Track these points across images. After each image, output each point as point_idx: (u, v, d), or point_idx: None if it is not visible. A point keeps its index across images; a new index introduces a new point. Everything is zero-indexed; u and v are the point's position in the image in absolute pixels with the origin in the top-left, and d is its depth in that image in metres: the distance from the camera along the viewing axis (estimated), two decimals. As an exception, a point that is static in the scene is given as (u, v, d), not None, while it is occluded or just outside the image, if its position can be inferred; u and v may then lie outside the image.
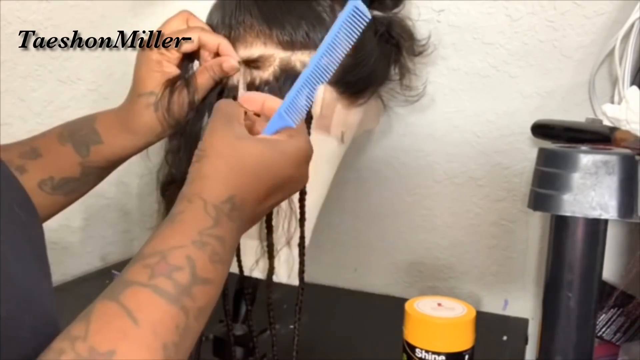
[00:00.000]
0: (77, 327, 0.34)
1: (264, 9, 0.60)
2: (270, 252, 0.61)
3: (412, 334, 0.63)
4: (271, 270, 0.61)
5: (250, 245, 0.62)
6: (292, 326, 0.64)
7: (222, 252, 0.40)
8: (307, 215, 0.61)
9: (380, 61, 0.66)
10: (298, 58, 0.60)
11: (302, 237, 0.61)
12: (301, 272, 0.61)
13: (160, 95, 0.58)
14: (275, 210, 0.61)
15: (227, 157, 0.43)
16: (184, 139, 0.60)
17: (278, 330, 0.76)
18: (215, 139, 0.44)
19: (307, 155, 0.47)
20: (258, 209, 0.45)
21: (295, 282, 0.63)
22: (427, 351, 0.61)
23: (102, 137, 0.61)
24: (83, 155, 0.61)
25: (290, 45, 0.60)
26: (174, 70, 0.59)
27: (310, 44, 0.60)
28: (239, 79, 0.60)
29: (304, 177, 0.48)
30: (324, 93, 0.61)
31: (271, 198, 0.46)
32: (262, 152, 0.44)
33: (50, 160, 0.61)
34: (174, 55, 0.59)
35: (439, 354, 0.60)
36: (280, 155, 0.45)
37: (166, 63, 0.59)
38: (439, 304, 0.64)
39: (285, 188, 0.47)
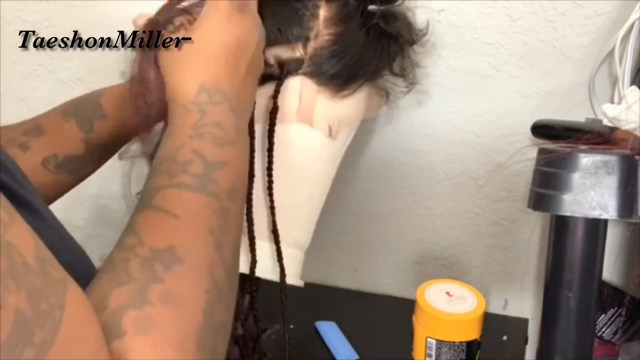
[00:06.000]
0: (129, 239, 0.37)
1: None
2: (279, 254, 0.61)
3: (427, 327, 0.66)
4: (282, 270, 0.61)
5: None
6: (292, 326, 0.64)
7: (225, 135, 0.43)
8: (302, 213, 0.62)
9: (366, 53, 0.66)
10: (272, 53, 0.61)
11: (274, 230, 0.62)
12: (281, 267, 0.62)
13: None
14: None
15: (177, 58, 0.46)
16: None
17: (277, 329, 0.77)
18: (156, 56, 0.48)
19: (227, 8, 0.47)
20: (239, 78, 0.46)
21: (299, 282, 0.63)
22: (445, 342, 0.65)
23: (105, 112, 0.60)
24: (87, 132, 0.59)
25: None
26: None
27: (283, 39, 0.61)
28: None
29: (246, 28, 0.48)
30: (301, 85, 0.62)
31: (240, 62, 0.47)
32: (199, 34, 0.46)
33: (54, 138, 0.60)
34: None
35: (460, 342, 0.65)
36: (211, 23, 0.46)
37: None
38: (448, 293, 0.68)
39: (241, 46, 0.47)
